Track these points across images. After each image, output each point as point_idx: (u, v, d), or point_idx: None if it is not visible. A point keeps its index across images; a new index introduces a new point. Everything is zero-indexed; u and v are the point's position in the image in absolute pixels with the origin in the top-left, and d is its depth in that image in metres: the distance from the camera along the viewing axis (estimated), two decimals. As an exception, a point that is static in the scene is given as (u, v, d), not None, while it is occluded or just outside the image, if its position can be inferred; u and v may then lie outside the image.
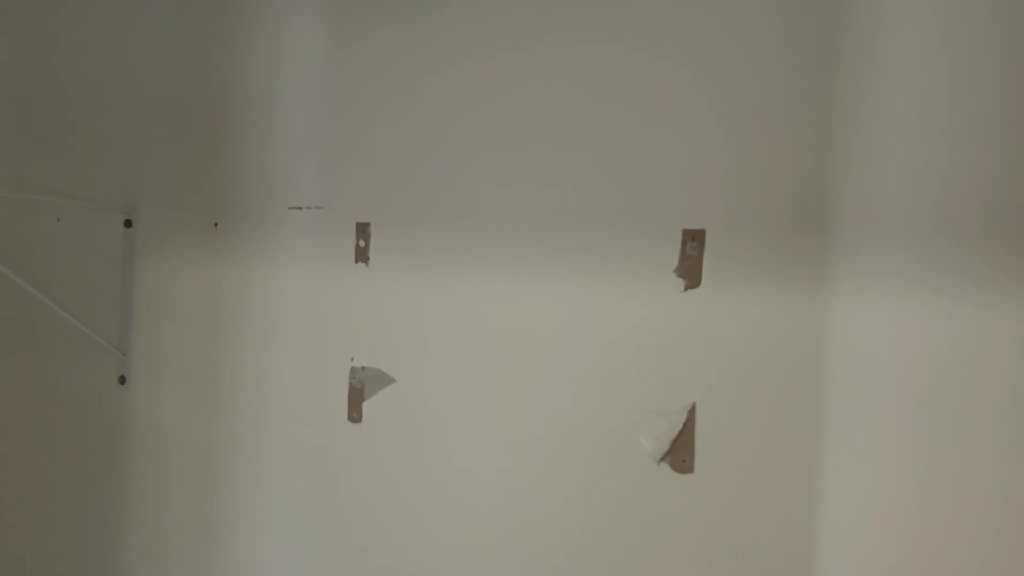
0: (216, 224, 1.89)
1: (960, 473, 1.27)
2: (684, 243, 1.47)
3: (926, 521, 1.30)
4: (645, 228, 1.50)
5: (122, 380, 1.99)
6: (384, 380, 1.72)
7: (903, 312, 1.31)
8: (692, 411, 1.46)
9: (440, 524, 1.66)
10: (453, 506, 1.65)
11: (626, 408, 1.50)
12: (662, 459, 1.48)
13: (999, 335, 1.25)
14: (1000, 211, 1.26)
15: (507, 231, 1.61)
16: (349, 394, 1.75)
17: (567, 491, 1.55)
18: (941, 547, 1.29)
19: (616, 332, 1.51)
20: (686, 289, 1.46)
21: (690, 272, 1.46)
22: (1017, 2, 1.25)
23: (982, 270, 1.26)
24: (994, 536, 1.26)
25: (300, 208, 1.80)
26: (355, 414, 1.75)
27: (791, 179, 1.39)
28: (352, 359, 1.75)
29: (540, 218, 1.58)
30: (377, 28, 1.73)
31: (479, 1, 1.64)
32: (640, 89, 1.50)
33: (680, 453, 1.46)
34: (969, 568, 1.27)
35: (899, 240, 1.32)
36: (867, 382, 1.34)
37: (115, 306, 2.00)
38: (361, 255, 1.75)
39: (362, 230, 1.74)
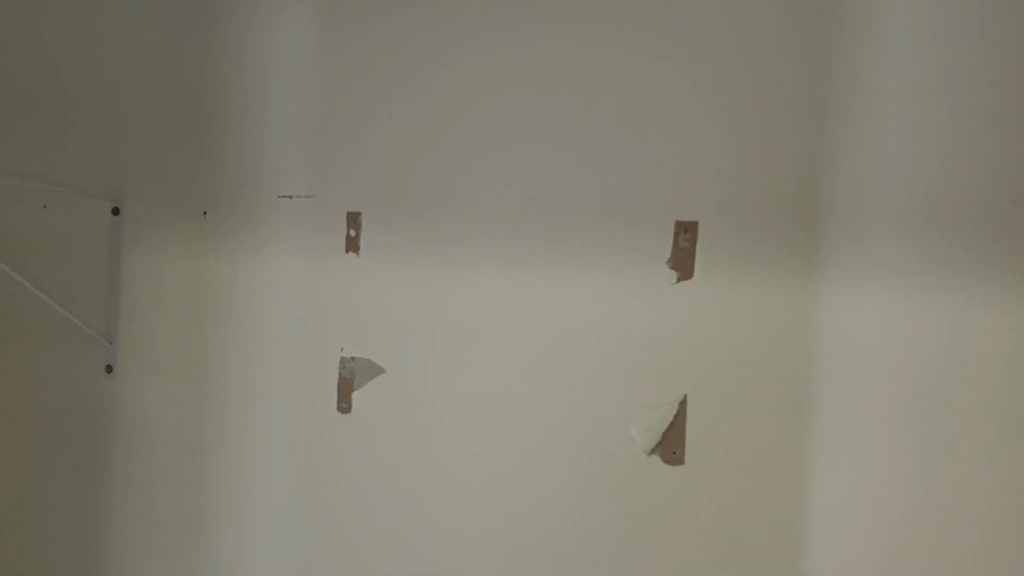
0: (205, 212, 1.87)
1: (951, 466, 1.28)
2: (677, 235, 1.46)
3: (916, 514, 1.30)
4: (638, 220, 1.49)
5: (109, 369, 1.98)
6: (374, 370, 1.71)
7: (895, 305, 1.31)
8: (683, 403, 1.46)
9: (430, 514, 1.66)
10: (443, 496, 1.64)
11: (617, 400, 1.50)
12: (652, 451, 1.47)
13: (991, 328, 1.26)
14: (992, 205, 1.26)
15: (499, 222, 1.60)
16: (339, 384, 1.74)
17: (557, 482, 1.55)
18: (931, 540, 1.29)
19: (608, 323, 1.51)
20: (679, 281, 1.46)
21: (683, 264, 1.46)
22: (1011, -4, 1.25)
23: (974, 263, 1.27)
24: (984, 528, 1.26)
25: (290, 197, 1.79)
26: (345, 404, 1.74)
27: (784, 171, 1.39)
28: (342, 349, 1.74)
29: (532, 209, 1.57)
30: (371, 18, 1.72)
31: (473, -9, 1.63)
32: (633, 81, 1.50)
33: (671, 445, 1.46)
34: (959, 561, 1.28)
35: (892, 233, 1.32)
36: (859, 375, 1.34)
37: (102, 294, 1.98)
38: (352, 245, 1.74)
39: (353, 219, 1.73)
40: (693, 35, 1.45)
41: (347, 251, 1.74)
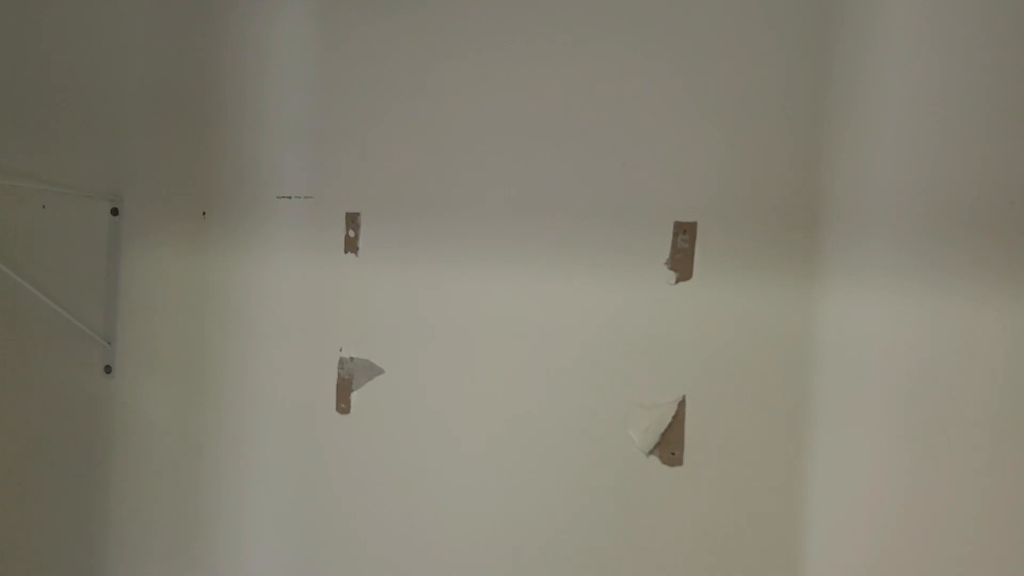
0: (204, 213, 1.87)
1: (946, 467, 1.28)
2: (675, 236, 1.46)
3: (912, 514, 1.30)
4: (637, 221, 1.49)
5: (108, 370, 1.98)
6: (373, 371, 1.71)
7: (892, 307, 1.31)
8: (682, 404, 1.46)
9: (427, 514, 1.66)
10: (441, 496, 1.64)
11: (616, 400, 1.50)
12: (651, 452, 1.47)
13: (987, 330, 1.26)
14: (989, 207, 1.26)
15: (498, 224, 1.60)
16: (337, 385, 1.74)
17: (556, 483, 1.55)
18: (928, 541, 1.29)
19: (607, 324, 1.51)
20: (677, 282, 1.46)
21: (681, 265, 1.46)
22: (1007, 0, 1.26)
23: (971, 266, 1.27)
24: (981, 529, 1.26)
25: (289, 197, 1.79)
26: (343, 405, 1.74)
27: (782, 173, 1.39)
28: (341, 350, 1.74)
29: (532, 211, 1.57)
30: (370, 18, 1.72)
31: (472, -8, 1.63)
32: (632, 83, 1.50)
33: (669, 446, 1.46)
34: (956, 561, 1.28)
35: (889, 235, 1.32)
36: (855, 376, 1.34)
37: (101, 295, 1.98)
38: (351, 245, 1.74)
39: (352, 220, 1.73)
40: (692, 37, 1.46)
41: (346, 251, 1.74)
